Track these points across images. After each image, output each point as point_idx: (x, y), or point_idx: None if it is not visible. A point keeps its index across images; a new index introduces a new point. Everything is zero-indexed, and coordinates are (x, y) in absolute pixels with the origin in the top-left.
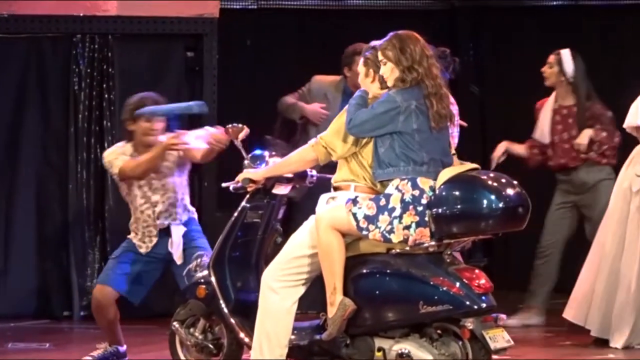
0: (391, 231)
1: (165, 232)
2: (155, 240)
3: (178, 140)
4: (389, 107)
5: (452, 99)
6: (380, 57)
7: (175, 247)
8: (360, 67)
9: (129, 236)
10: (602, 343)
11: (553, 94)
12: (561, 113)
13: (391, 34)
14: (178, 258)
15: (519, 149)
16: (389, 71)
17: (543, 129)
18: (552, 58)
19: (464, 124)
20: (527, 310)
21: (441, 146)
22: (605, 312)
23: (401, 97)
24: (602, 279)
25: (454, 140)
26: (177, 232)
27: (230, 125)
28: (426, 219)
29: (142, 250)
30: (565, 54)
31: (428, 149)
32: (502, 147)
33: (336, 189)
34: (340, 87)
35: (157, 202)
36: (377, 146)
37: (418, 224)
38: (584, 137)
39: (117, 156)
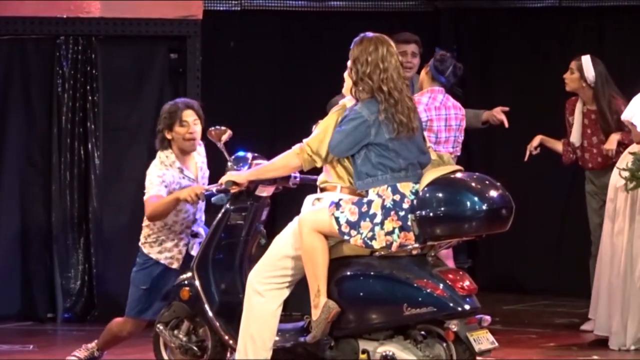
0: (372, 237)
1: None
2: (184, 250)
3: (195, 197)
4: (358, 122)
5: (457, 103)
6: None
7: (196, 249)
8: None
9: (153, 257)
10: (602, 344)
11: (580, 98)
12: (590, 117)
13: (357, 37)
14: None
15: (555, 144)
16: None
17: (575, 132)
18: (573, 64)
19: (505, 122)
20: None
21: (416, 147)
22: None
23: (367, 111)
24: (599, 277)
25: (458, 148)
26: (202, 232)
27: (213, 128)
28: (409, 223)
29: (175, 266)
30: (586, 60)
31: (405, 155)
32: (537, 140)
33: (322, 190)
34: None
35: (199, 211)
36: (354, 158)
37: (401, 229)
38: (612, 142)
39: (160, 184)
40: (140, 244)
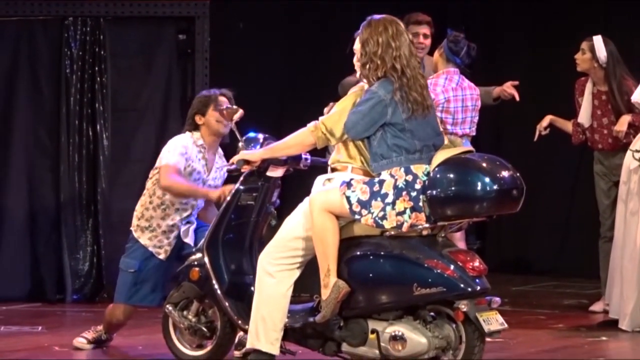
0: (384, 217)
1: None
2: (174, 242)
3: (224, 196)
4: (374, 102)
5: (472, 84)
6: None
7: (191, 235)
8: (357, 45)
9: (141, 242)
10: (611, 325)
11: (589, 78)
12: (600, 98)
13: (365, 21)
14: (192, 243)
15: (565, 124)
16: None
17: (584, 113)
18: (584, 44)
19: (516, 96)
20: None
21: (431, 128)
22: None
23: (384, 90)
24: (613, 259)
25: (473, 128)
26: (194, 222)
27: (224, 107)
28: (420, 203)
29: (162, 256)
30: (597, 40)
31: (420, 136)
32: (547, 120)
33: (333, 169)
34: None
35: (198, 207)
36: (370, 140)
37: (413, 209)
38: (623, 123)
39: (180, 154)
40: (132, 227)
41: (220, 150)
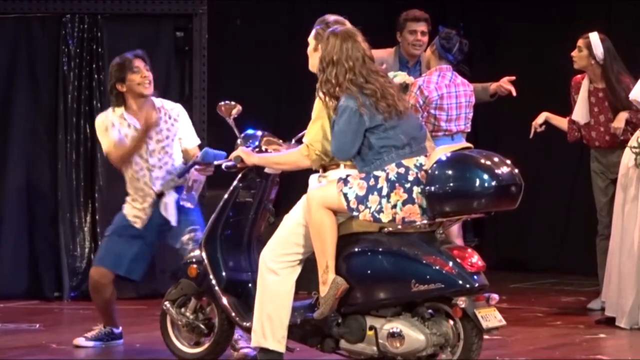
0: (380, 211)
1: (159, 201)
2: (150, 212)
3: (155, 118)
4: (349, 115)
5: (464, 80)
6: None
7: (171, 210)
8: (311, 40)
9: (124, 212)
10: (609, 322)
11: (586, 76)
12: (597, 95)
13: (326, 32)
14: (174, 220)
15: (560, 121)
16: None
17: (581, 111)
18: (581, 42)
19: (513, 91)
20: None
21: (413, 123)
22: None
23: (352, 100)
24: (611, 257)
25: (468, 124)
26: (171, 197)
27: (222, 103)
28: (414, 196)
29: (138, 226)
30: (594, 37)
31: (403, 129)
32: (542, 117)
33: (325, 169)
34: (397, 55)
35: (153, 167)
36: (359, 148)
37: (405, 202)
38: (620, 120)
39: (106, 131)
40: None
41: (154, 101)
